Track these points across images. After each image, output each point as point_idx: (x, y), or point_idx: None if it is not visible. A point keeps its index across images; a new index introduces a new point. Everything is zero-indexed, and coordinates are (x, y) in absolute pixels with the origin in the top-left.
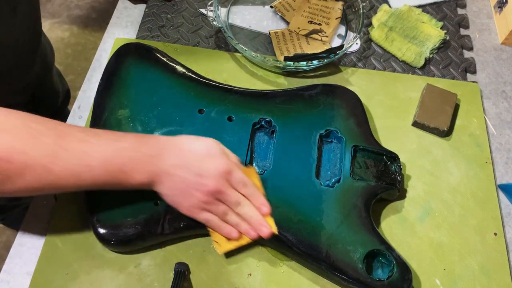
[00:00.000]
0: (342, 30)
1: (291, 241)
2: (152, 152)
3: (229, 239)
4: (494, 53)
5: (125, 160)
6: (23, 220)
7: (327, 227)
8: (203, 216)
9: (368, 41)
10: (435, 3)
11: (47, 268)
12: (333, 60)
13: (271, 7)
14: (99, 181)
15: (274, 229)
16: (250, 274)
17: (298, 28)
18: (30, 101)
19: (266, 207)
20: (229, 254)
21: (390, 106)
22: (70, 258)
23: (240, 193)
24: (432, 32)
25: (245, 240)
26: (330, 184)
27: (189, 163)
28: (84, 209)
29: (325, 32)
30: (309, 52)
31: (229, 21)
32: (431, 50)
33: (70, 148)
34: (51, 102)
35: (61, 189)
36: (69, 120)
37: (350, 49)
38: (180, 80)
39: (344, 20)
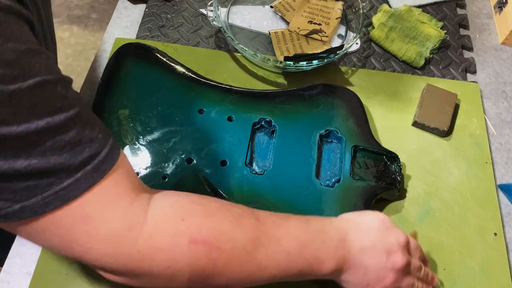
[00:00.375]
0: (342, 30)
1: None
2: (340, 236)
3: None
4: (494, 53)
5: (318, 244)
6: None
7: None
8: None
9: (368, 41)
10: (435, 3)
11: (47, 268)
12: (333, 60)
13: (271, 7)
14: (293, 271)
15: None
16: None
17: (298, 28)
18: None
19: (427, 260)
20: None
21: (390, 106)
22: (70, 258)
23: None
24: (432, 32)
25: None
26: (330, 184)
27: (374, 242)
28: None
29: (325, 32)
30: (309, 52)
31: (229, 21)
32: (431, 50)
33: (269, 233)
34: None
35: (255, 281)
36: None
37: (350, 49)
38: (180, 80)
39: (344, 20)
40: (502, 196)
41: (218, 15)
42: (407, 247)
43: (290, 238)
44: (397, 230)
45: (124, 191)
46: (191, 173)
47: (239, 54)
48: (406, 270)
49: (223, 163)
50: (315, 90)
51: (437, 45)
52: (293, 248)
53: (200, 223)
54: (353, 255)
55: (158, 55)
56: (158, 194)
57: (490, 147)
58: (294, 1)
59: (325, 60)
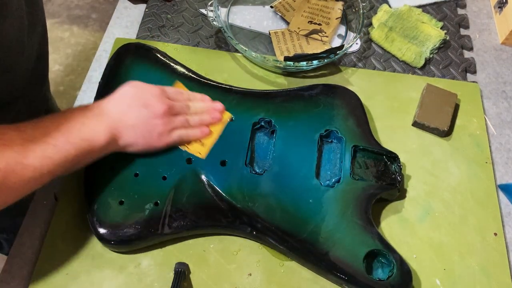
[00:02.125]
0: (342, 30)
1: (291, 241)
2: (97, 111)
3: (202, 142)
4: (494, 53)
5: (80, 127)
6: (23, 220)
7: (327, 227)
8: (175, 136)
9: (368, 41)
10: (435, 3)
11: (47, 268)
12: (333, 60)
13: (271, 7)
14: (70, 157)
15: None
16: (250, 274)
17: (298, 28)
18: None
19: (206, 96)
20: (229, 254)
21: (390, 106)
22: (70, 258)
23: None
24: (432, 32)
25: (216, 131)
26: (330, 184)
27: (129, 102)
28: (84, 209)
29: (325, 32)
30: (309, 52)
31: (229, 21)
32: (431, 50)
33: (32, 137)
34: None
35: (39, 181)
36: None
37: (350, 49)
38: (180, 80)
39: (344, 20)
40: (502, 196)
41: (218, 15)
42: (164, 95)
43: (52, 132)
44: (149, 86)
45: None
46: (191, 173)
47: (239, 54)
48: (171, 112)
49: (223, 163)
50: (315, 90)
51: (437, 45)
52: (58, 140)
53: None
54: (115, 121)
55: (158, 55)
56: None
57: (490, 147)
58: (294, 1)
59: (325, 60)
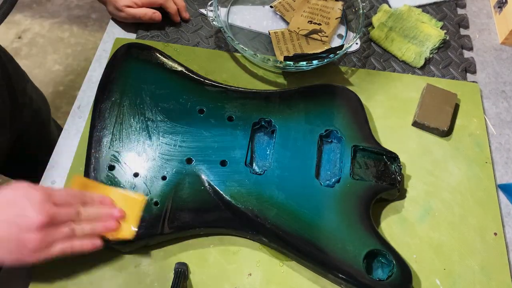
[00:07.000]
0: (342, 30)
1: (291, 241)
2: None
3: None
4: (494, 53)
5: None
6: None
7: (327, 227)
8: (55, 250)
9: (368, 41)
10: (435, 3)
11: (47, 268)
12: (333, 60)
13: (271, 7)
14: None
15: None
16: (250, 274)
17: (298, 28)
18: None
19: (106, 198)
20: (229, 254)
21: (390, 106)
22: (70, 258)
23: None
24: (432, 32)
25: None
26: (330, 184)
27: (1, 213)
28: None
29: (325, 32)
30: (309, 52)
31: (229, 21)
32: (431, 50)
33: None
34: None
35: None
36: (69, 120)
37: (350, 49)
38: (180, 80)
39: (344, 20)
40: (502, 196)
41: (218, 15)
42: (50, 200)
43: None
44: (33, 190)
45: None
46: (191, 173)
47: (239, 54)
48: (53, 222)
49: (223, 163)
50: (315, 90)
51: (437, 45)
52: None
53: None
54: None
55: (158, 55)
56: None
57: (490, 147)
58: (294, 1)
59: (325, 60)
